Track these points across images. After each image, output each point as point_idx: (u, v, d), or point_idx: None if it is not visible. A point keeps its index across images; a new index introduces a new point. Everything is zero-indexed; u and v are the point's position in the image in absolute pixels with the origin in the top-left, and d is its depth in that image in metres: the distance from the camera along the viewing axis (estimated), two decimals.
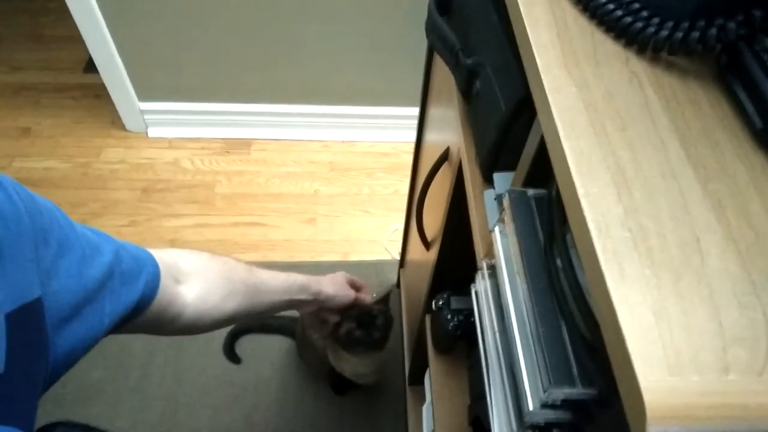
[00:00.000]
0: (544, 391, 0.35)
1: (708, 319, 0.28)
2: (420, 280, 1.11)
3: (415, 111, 1.11)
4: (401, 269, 1.56)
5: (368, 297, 1.10)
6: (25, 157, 1.86)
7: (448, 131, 0.80)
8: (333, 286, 0.98)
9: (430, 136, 1.05)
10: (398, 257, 1.60)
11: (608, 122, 0.35)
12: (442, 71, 0.85)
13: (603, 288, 0.29)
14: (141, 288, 0.59)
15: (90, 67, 1.97)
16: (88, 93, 2.04)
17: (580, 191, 0.32)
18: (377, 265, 1.68)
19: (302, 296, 0.91)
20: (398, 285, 1.60)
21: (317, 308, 1.00)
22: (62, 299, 0.49)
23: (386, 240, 1.74)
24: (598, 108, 0.36)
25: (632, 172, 0.33)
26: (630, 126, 0.35)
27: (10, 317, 0.43)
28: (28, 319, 0.45)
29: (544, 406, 0.37)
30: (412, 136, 1.17)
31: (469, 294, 0.92)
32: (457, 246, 0.85)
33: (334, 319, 1.08)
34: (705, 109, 0.37)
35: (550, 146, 0.36)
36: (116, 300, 0.56)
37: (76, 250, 0.52)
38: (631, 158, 0.33)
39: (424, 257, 1.06)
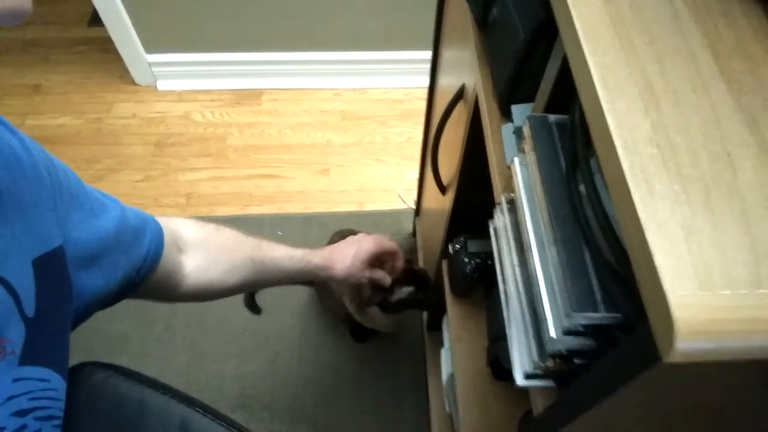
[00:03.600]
0: (567, 316, 0.35)
1: (740, 233, 0.27)
2: (436, 226, 1.11)
3: (428, 54, 1.07)
4: (417, 217, 1.56)
5: (399, 262, 1.02)
6: (37, 114, 1.86)
7: (464, 70, 0.78)
8: (346, 270, 0.89)
9: (443, 79, 1.03)
10: (413, 206, 1.60)
11: (635, 36, 0.33)
12: (456, 7, 0.82)
13: (630, 205, 0.28)
14: (147, 243, 0.60)
15: (95, 20, 1.93)
16: (95, 47, 2.01)
17: (606, 107, 0.30)
18: (392, 215, 1.67)
19: (311, 278, 0.89)
20: (414, 234, 1.60)
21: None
22: (79, 248, 0.50)
23: (401, 189, 1.73)
24: (624, 21, 0.34)
25: (661, 87, 0.31)
26: (658, 39, 0.33)
27: (36, 263, 0.43)
28: (53, 265, 0.46)
29: (567, 332, 0.37)
30: (425, 81, 1.14)
31: (486, 237, 0.92)
32: (473, 188, 0.84)
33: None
34: (739, 21, 0.35)
35: (573, 64, 0.34)
36: (129, 252, 0.57)
37: (86, 204, 0.53)
38: (659, 72, 0.32)
39: (439, 204, 1.05)
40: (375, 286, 1.01)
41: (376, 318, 1.17)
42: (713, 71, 0.32)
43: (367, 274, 0.93)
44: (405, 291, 1.04)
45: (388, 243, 0.97)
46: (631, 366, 0.29)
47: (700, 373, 0.31)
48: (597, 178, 0.36)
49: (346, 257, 0.89)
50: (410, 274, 1.05)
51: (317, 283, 1.40)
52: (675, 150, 0.29)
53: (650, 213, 0.27)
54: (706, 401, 0.35)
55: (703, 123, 0.30)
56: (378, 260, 0.96)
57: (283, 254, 0.81)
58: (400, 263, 1.02)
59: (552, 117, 0.42)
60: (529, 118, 0.41)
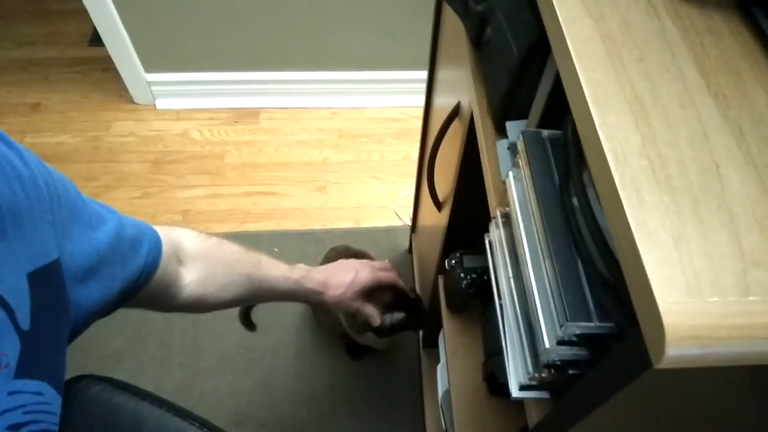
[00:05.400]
0: (561, 326, 0.35)
1: (728, 242, 0.28)
2: (432, 243, 1.11)
3: (423, 74, 1.09)
4: (413, 234, 1.57)
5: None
6: (36, 133, 1.86)
7: (459, 88, 0.79)
8: (338, 298, 0.90)
9: (439, 98, 1.04)
10: (409, 223, 1.60)
11: (625, 53, 0.34)
12: (451, 28, 0.84)
13: (621, 216, 0.29)
14: (145, 254, 0.60)
15: (95, 39, 1.96)
16: (95, 66, 2.03)
17: (597, 121, 0.31)
18: (389, 231, 1.68)
19: (303, 300, 0.90)
20: (410, 250, 1.60)
21: None
22: (76, 261, 0.50)
23: (397, 206, 1.74)
24: (614, 39, 0.35)
25: (650, 102, 0.32)
26: (647, 56, 0.34)
27: (31, 277, 0.44)
28: (49, 279, 0.46)
29: (561, 342, 0.37)
30: (421, 100, 1.16)
31: (482, 253, 0.92)
32: (468, 204, 0.85)
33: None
34: (725, 38, 0.36)
35: (565, 80, 0.35)
36: (126, 264, 0.58)
37: (84, 216, 0.53)
38: (648, 88, 0.33)
39: (435, 220, 1.06)
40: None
41: (370, 337, 1.17)
42: (700, 86, 0.33)
43: (358, 305, 0.94)
44: (396, 317, 1.05)
45: (385, 275, 0.98)
46: (623, 373, 0.30)
47: (691, 380, 0.31)
48: (589, 190, 0.37)
49: (340, 285, 0.90)
50: (403, 300, 1.06)
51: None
52: (664, 162, 0.30)
53: (640, 223, 0.28)
54: (698, 407, 0.35)
55: (691, 136, 0.31)
56: (375, 290, 0.96)
57: (279, 274, 0.82)
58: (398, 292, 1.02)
59: (545, 132, 0.43)
60: (523, 133, 0.42)
